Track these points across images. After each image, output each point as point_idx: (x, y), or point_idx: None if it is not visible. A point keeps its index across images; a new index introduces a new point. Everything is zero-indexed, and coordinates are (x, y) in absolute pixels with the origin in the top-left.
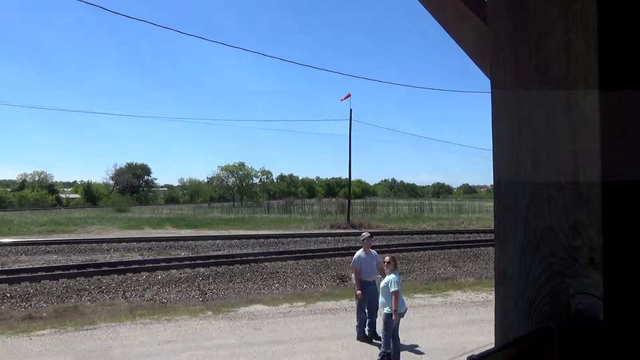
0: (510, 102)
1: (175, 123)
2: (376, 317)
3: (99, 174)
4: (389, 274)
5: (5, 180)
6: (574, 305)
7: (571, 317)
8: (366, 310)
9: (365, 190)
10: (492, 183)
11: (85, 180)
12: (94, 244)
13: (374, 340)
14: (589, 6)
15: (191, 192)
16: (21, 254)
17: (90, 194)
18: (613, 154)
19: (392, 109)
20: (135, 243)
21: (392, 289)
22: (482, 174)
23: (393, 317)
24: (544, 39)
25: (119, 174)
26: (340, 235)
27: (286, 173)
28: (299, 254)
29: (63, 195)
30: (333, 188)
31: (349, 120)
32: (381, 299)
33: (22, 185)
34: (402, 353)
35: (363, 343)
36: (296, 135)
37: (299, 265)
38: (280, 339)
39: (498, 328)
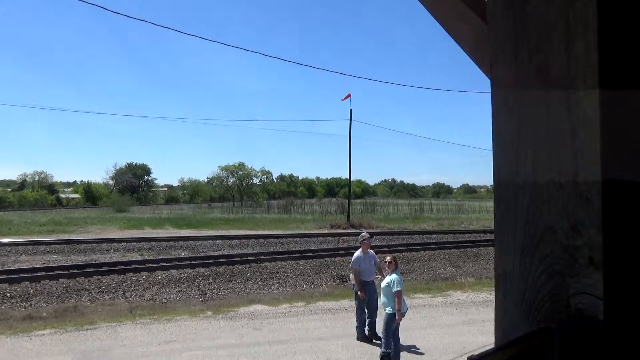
0: (510, 102)
1: (175, 123)
2: (376, 316)
3: (99, 174)
4: (391, 274)
5: (5, 180)
6: (574, 305)
7: (571, 317)
8: (366, 311)
9: (365, 190)
10: (492, 183)
11: (85, 180)
12: (94, 244)
13: (374, 340)
14: (589, 6)
15: (191, 192)
16: (21, 254)
17: (90, 194)
18: (613, 154)
19: (392, 109)
20: (135, 243)
21: (394, 289)
22: (482, 174)
23: (397, 317)
24: (544, 39)
25: (119, 174)
26: (340, 235)
27: (286, 173)
28: (299, 254)
29: (63, 195)
30: (333, 188)
31: (349, 120)
32: (383, 299)
33: (22, 185)
34: (402, 353)
35: (363, 343)
36: (296, 135)
37: (299, 265)
38: (280, 339)
39: (498, 328)
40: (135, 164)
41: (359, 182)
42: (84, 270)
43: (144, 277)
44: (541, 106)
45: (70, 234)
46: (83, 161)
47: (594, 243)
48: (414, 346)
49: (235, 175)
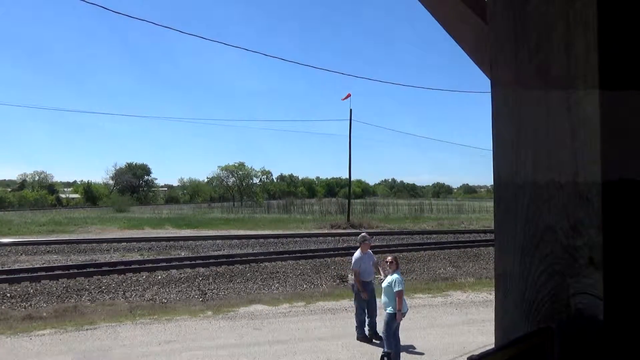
0: (510, 102)
1: (175, 123)
2: (376, 316)
3: (99, 174)
4: (392, 274)
5: (5, 180)
6: (574, 305)
7: (571, 317)
8: (366, 311)
9: (365, 190)
10: (492, 183)
11: (85, 180)
12: (94, 244)
13: (374, 340)
14: (589, 6)
15: (191, 192)
16: (21, 254)
17: (90, 194)
18: (613, 154)
19: (392, 109)
20: (135, 243)
21: (396, 289)
22: (482, 174)
23: (397, 317)
24: (544, 39)
25: (119, 174)
26: (340, 235)
27: (286, 173)
28: (299, 254)
29: (63, 195)
30: (333, 188)
31: (349, 120)
32: (383, 299)
33: (22, 185)
34: (402, 353)
35: (363, 343)
36: (296, 135)
37: (299, 265)
38: (280, 339)
39: (498, 328)
40: (135, 164)
41: (359, 182)
42: (84, 270)
43: (144, 277)
44: (541, 106)
45: (70, 234)
46: (83, 161)
47: (594, 243)
48: (414, 346)
49: (235, 175)
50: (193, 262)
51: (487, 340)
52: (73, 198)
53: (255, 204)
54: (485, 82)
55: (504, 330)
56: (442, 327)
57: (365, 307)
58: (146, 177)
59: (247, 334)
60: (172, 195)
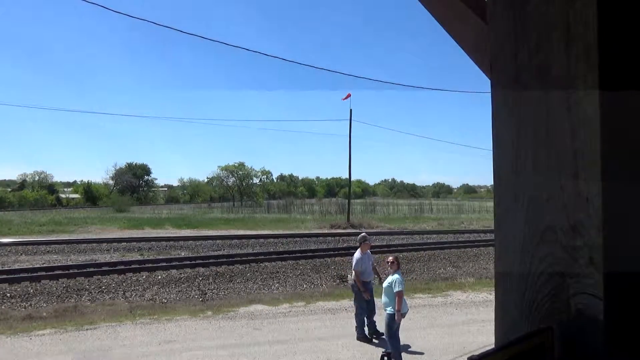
0: (510, 102)
1: (175, 123)
2: (374, 315)
3: (99, 174)
4: (393, 274)
5: (5, 180)
6: (574, 305)
7: (571, 317)
8: (366, 310)
9: (365, 190)
10: (492, 183)
11: (85, 180)
12: (94, 244)
13: (374, 339)
14: (589, 6)
15: (191, 192)
16: (21, 254)
17: (90, 194)
18: (613, 154)
19: (392, 109)
20: (135, 243)
21: (396, 289)
22: (482, 174)
23: (396, 317)
24: (544, 39)
25: (119, 174)
26: (340, 235)
27: (286, 173)
28: (299, 254)
29: (63, 195)
30: (333, 188)
31: (349, 120)
32: (384, 299)
33: (22, 185)
34: (402, 353)
35: (363, 343)
36: (296, 135)
37: (299, 265)
38: (280, 339)
39: (498, 328)
40: (135, 164)
41: (359, 182)
42: (84, 270)
43: (144, 277)
44: (541, 106)
45: (70, 234)
46: (83, 161)
47: (594, 243)
48: (414, 346)
49: (235, 175)
50: (193, 262)
51: (487, 340)
52: (73, 198)
53: (255, 204)
54: (485, 82)
55: (504, 330)
56: (442, 327)
57: (365, 307)
58: (146, 177)
59: (247, 334)
60: (172, 195)
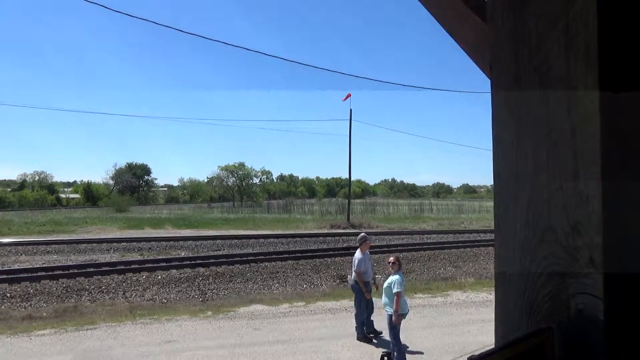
0: (510, 102)
1: (175, 123)
2: (372, 313)
3: (99, 174)
4: (394, 274)
5: (5, 180)
6: (574, 305)
7: (571, 317)
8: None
9: (365, 190)
10: (492, 183)
11: (85, 180)
12: (94, 244)
13: (373, 340)
14: (589, 6)
15: (191, 192)
16: (21, 254)
17: (90, 194)
18: (613, 154)
19: (392, 109)
20: (135, 243)
21: (394, 290)
22: (482, 174)
23: (393, 318)
24: (544, 39)
25: (119, 174)
26: (340, 235)
27: (286, 173)
28: (299, 254)
29: (63, 195)
30: (333, 188)
31: (349, 120)
32: (384, 300)
33: (22, 185)
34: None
35: (363, 343)
36: (296, 135)
37: (299, 265)
38: (280, 339)
39: (498, 328)
40: (135, 164)
41: (359, 182)
42: (84, 270)
43: (144, 277)
44: (541, 106)
45: (70, 234)
46: (83, 161)
47: (594, 243)
48: (414, 346)
49: (235, 175)
50: (193, 262)
51: (487, 340)
52: (73, 198)
53: (255, 204)
54: (485, 82)
55: (504, 330)
56: (442, 327)
57: (365, 307)
58: (146, 177)
59: (247, 334)
60: (172, 195)
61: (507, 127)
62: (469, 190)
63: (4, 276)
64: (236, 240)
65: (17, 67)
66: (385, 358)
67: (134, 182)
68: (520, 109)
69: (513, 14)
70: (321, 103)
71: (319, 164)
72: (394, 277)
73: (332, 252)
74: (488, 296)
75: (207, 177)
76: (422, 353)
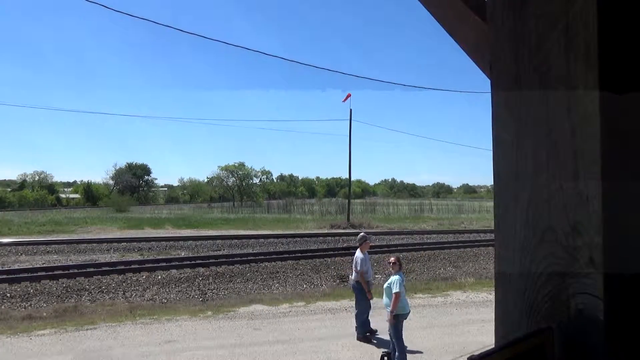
0: (510, 102)
1: (175, 123)
2: (369, 311)
3: (99, 174)
4: (394, 274)
5: (5, 180)
6: (574, 305)
7: (571, 317)
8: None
9: (365, 190)
10: (492, 183)
11: (85, 180)
12: (94, 244)
13: (373, 340)
14: (589, 6)
15: (191, 192)
16: (21, 254)
17: (90, 194)
18: (613, 154)
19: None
20: (135, 243)
21: (393, 290)
22: (482, 174)
23: (387, 318)
24: (544, 39)
25: (118, 174)
26: (340, 235)
27: (286, 173)
28: (299, 254)
29: (63, 195)
30: (333, 188)
31: (349, 120)
32: (385, 300)
33: (22, 185)
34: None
35: (363, 343)
36: (296, 135)
37: (299, 265)
38: (280, 339)
39: (498, 328)
40: (135, 164)
41: (359, 182)
42: (84, 270)
43: (144, 277)
44: (541, 106)
45: (70, 234)
46: (83, 161)
47: (594, 243)
48: (414, 346)
49: (235, 175)
50: (193, 262)
51: (487, 340)
52: (73, 198)
53: (255, 204)
54: (485, 82)
55: (504, 330)
56: (442, 327)
57: (366, 307)
58: (146, 177)
59: (247, 334)
60: (172, 195)
61: (507, 127)
62: (469, 190)
63: (4, 276)
64: (236, 240)
65: (17, 67)
66: (385, 358)
67: (134, 182)
68: (520, 109)
69: (513, 14)
70: (321, 103)
71: (319, 164)
72: (394, 278)
73: (332, 252)
74: (488, 296)
75: (207, 177)
76: (422, 353)
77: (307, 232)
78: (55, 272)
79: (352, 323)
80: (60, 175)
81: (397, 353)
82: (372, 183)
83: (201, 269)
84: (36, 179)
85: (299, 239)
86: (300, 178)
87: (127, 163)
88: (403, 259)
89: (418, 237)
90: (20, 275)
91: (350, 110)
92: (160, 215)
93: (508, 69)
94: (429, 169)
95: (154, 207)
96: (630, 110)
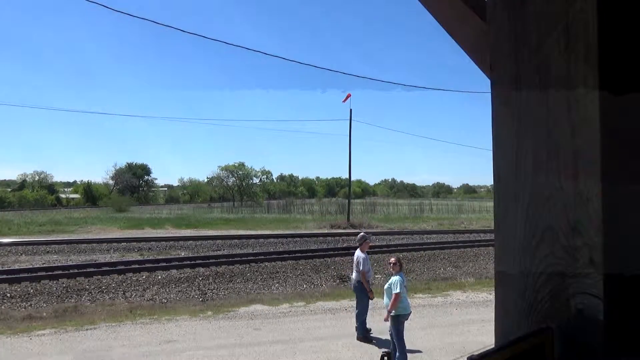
0: (510, 102)
1: (175, 123)
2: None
3: (99, 174)
4: (395, 275)
5: (5, 180)
6: (574, 305)
7: (571, 317)
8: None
9: (365, 190)
10: (492, 183)
11: (85, 180)
12: (94, 244)
13: (373, 340)
14: (589, 6)
15: (191, 192)
16: (21, 254)
17: (90, 194)
18: (613, 154)
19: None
20: (135, 243)
21: (393, 291)
22: (482, 174)
23: (385, 316)
24: (544, 39)
25: (119, 174)
26: (340, 235)
27: (286, 173)
28: (299, 254)
29: (63, 195)
30: (333, 188)
31: (349, 120)
32: (386, 300)
33: (22, 185)
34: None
35: (363, 343)
36: (296, 135)
37: (299, 265)
38: (280, 339)
39: (498, 328)
40: (135, 164)
41: (359, 182)
42: (84, 270)
43: (144, 277)
44: (541, 106)
45: (70, 234)
46: (83, 161)
47: (594, 243)
48: (414, 346)
49: (235, 175)
50: (193, 262)
51: (487, 340)
52: (73, 198)
53: (255, 204)
54: (485, 82)
55: (504, 330)
56: (442, 327)
57: (366, 307)
58: (146, 177)
59: (247, 334)
60: (172, 195)
61: (507, 127)
62: (469, 190)
63: (4, 276)
64: (236, 240)
65: (17, 67)
66: (385, 358)
67: (134, 182)
68: (520, 108)
69: (513, 14)
70: (321, 103)
71: (319, 164)
72: (395, 278)
73: (332, 252)
74: (488, 296)
75: (207, 177)
76: (421, 353)
77: (307, 232)
78: (55, 272)
79: (352, 323)
80: (60, 175)
81: (397, 353)
82: (372, 183)
83: (201, 269)
84: (36, 179)
85: (299, 239)
86: (300, 178)
87: (127, 163)
88: (403, 259)
89: (418, 237)
90: (20, 275)
91: (350, 110)
92: (160, 215)
93: (508, 69)
94: (429, 169)
95: (154, 207)
96: (630, 111)
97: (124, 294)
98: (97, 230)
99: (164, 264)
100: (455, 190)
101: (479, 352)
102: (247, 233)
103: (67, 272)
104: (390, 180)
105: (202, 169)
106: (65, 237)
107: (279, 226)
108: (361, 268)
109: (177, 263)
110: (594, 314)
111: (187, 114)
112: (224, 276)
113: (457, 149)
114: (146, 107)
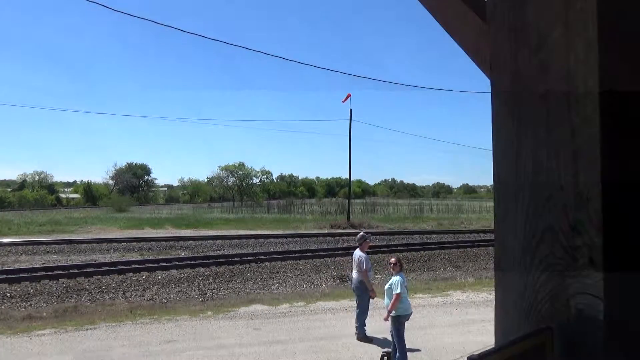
0: (510, 102)
1: (175, 123)
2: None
3: (99, 174)
4: (395, 275)
5: (5, 180)
6: (574, 305)
7: (571, 317)
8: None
9: (365, 190)
10: (492, 183)
11: (85, 180)
12: (94, 244)
13: (372, 339)
14: (589, 6)
15: (191, 192)
16: (21, 254)
17: (90, 194)
18: (613, 154)
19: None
20: (135, 243)
21: (394, 291)
22: (482, 174)
23: (384, 317)
24: (544, 39)
25: (119, 174)
26: (340, 235)
27: (286, 173)
28: (299, 254)
29: (63, 195)
30: (333, 188)
31: (349, 120)
32: (386, 301)
33: (22, 185)
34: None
35: (363, 343)
36: (296, 135)
37: (299, 265)
38: (280, 339)
39: (498, 328)
40: (135, 164)
41: (359, 182)
42: (84, 270)
43: (144, 277)
44: (541, 106)
45: (70, 234)
46: (83, 161)
47: (594, 243)
48: (414, 346)
49: (235, 175)
50: (193, 262)
51: (487, 340)
52: (73, 198)
53: (255, 204)
54: (485, 82)
55: (504, 330)
56: (442, 327)
57: (367, 307)
58: (146, 177)
59: (247, 333)
60: (172, 195)
61: (507, 127)
62: (469, 190)
63: (4, 276)
64: (236, 240)
65: (17, 67)
66: (386, 358)
67: (134, 182)
68: (520, 108)
69: (513, 14)
70: (321, 103)
71: (319, 164)
72: (395, 278)
73: (332, 252)
74: (488, 296)
75: (207, 177)
76: (421, 352)
77: (307, 232)
78: (55, 272)
79: (352, 323)
80: (60, 175)
81: (397, 353)
82: (372, 183)
83: (201, 269)
84: (36, 179)
85: (299, 239)
86: (300, 178)
87: (127, 163)
88: (403, 259)
89: (418, 237)
90: (20, 275)
91: (350, 110)
92: (160, 215)
93: (508, 68)
94: (429, 169)
95: (154, 207)
96: (630, 110)
97: (124, 294)
98: (97, 230)
99: (164, 264)
100: (455, 190)
101: (479, 352)
102: (247, 233)
103: (67, 272)
104: (390, 180)
105: (202, 169)
106: (65, 237)
107: (278, 226)
108: (363, 267)
109: (177, 263)
110: (594, 314)
111: (187, 114)
112: (224, 276)
113: (457, 149)
114: (146, 107)
